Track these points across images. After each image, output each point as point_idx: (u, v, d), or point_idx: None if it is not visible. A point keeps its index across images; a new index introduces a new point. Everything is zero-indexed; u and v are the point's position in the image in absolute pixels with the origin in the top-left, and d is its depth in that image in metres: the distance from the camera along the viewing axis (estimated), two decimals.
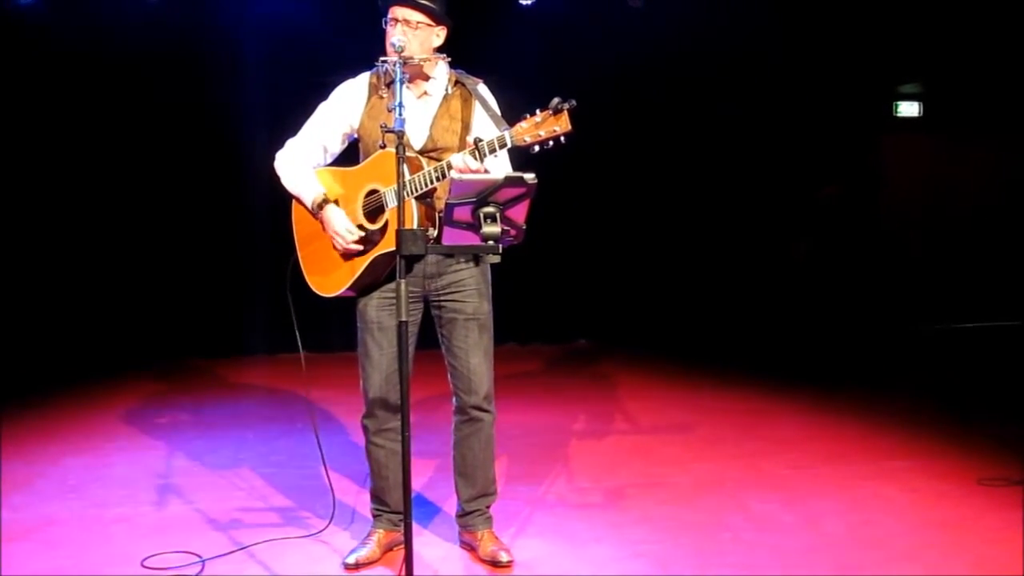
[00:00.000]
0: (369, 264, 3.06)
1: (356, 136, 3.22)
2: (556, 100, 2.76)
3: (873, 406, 5.35)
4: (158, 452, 4.59)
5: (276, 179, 3.25)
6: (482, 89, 3.13)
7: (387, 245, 3.00)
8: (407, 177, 2.82)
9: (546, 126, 2.77)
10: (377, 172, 3.05)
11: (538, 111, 2.79)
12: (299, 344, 3.29)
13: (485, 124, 3.05)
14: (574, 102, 2.76)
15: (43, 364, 6.42)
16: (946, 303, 8.46)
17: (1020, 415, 5.02)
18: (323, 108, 3.25)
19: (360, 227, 3.07)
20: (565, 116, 2.76)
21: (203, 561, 3.21)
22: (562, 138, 2.78)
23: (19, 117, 6.65)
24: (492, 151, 2.84)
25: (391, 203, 2.98)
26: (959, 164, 8.70)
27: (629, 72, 7.45)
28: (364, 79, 3.21)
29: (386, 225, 3.01)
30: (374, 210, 3.06)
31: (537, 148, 2.79)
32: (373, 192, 3.06)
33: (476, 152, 2.85)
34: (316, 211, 3.14)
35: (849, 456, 4.41)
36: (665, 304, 7.73)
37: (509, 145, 2.82)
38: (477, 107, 3.10)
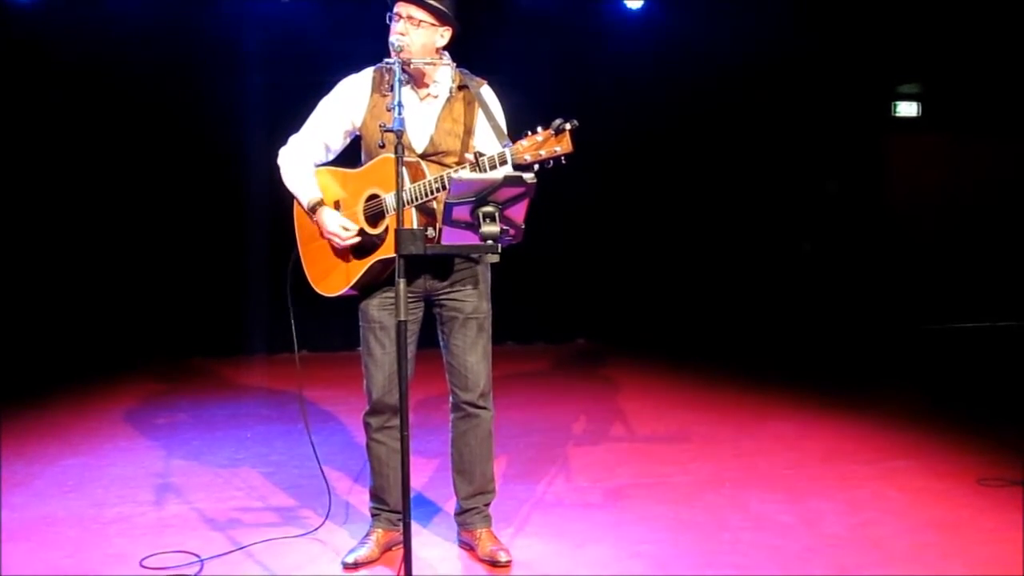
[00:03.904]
0: (367, 269, 3.06)
1: (358, 134, 3.20)
2: (558, 120, 2.73)
3: (872, 406, 5.35)
4: (157, 452, 4.59)
5: (277, 178, 3.24)
6: (485, 92, 3.11)
7: (386, 251, 3.00)
8: (408, 185, 2.82)
9: (547, 146, 2.75)
10: (378, 176, 3.04)
11: (540, 129, 2.76)
12: (295, 342, 3.29)
13: (485, 134, 3.03)
14: (576, 122, 2.74)
15: (42, 364, 6.42)
16: (945, 303, 8.46)
17: (1020, 415, 5.02)
18: (325, 104, 3.21)
19: (361, 231, 3.06)
20: (567, 137, 2.74)
21: (202, 561, 3.21)
22: (563, 158, 2.76)
23: (20, 117, 6.65)
24: (492, 167, 2.82)
25: (391, 209, 2.98)
26: (957, 164, 8.70)
27: (631, 72, 7.44)
28: (368, 75, 3.17)
29: (386, 231, 3.01)
30: (375, 215, 3.06)
31: (537, 167, 2.77)
32: (373, 197, 3.05)
33: (477, 167, 2.83)
34: (310, 215, 3.14)
35: (848, 456, 4.41)
36: (664, 304, 7.74)
37: (509, 162, 2.81)
38: (479, 113, 3.07)
